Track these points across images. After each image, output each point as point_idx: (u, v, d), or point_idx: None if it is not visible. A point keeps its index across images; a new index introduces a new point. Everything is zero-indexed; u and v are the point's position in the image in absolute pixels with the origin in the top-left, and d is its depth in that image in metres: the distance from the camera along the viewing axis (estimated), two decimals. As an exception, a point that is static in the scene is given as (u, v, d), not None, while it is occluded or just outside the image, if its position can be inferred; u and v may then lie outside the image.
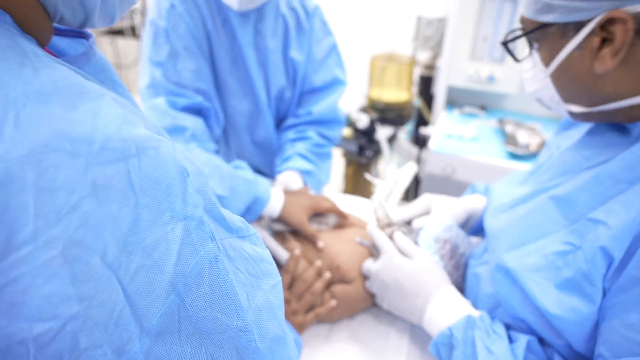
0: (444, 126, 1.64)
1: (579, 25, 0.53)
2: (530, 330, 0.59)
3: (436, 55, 1.93)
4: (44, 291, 0.25)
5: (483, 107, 1.80)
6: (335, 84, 1.09)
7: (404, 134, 2.02)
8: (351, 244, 0.82)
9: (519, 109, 1.82)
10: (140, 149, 0.29)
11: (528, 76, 0.64)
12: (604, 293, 0.49)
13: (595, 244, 0.50)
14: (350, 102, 2.04)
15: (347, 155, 1.88)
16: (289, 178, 1.01)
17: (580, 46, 0.54)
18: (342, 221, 0.92)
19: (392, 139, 1.80)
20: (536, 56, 0.60)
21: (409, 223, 0.86)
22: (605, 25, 0.50)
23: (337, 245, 0.82)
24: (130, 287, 0.27)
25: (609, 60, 0.51)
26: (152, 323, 0.28)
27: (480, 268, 0.74)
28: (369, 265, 0.75)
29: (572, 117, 0.63)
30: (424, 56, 2.00)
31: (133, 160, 0.28)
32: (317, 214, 0.92)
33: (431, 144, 1.51)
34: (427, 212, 0.86)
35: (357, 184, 1.93)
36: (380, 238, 0.76)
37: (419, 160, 1.77)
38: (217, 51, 0.95)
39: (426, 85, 1.97)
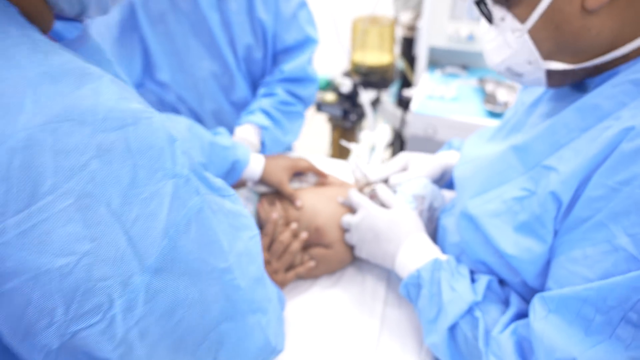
0: (425, 87, 1.66)
1: None
2: (490, 273, 0.64)
3: (417, 15, 1.93)
4: (64, 232, 0.31)
5: (465, 67, 1.81)
6: (306, 42, 1.11)
7: (389, 96, 2.04)
8: (331, 206, 0.86)
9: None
10: (135, 119, 0.34)
11: (492, 46, 0.61)
12: (555, 234, 0.54)
13: (546, 189, 0.54)
14: (333, 67, 2.04)
15: (332, 120, 1.90)
16: (246, 132, 1.03)
17: None
18: (322, 180, 0.96)
19: (376, 102, 1.82)
20: (508, 20, 0.57)
21: (385, 181, 0.90)
22: None
23: (318, 205, 0.85)
24: (131, 231, 0.33)
25: None
26: (150, 262, 0.34)
27: (447, 220, 0.78)
28: (349, 218, 0.80)
29: (547, 83, 0.60)
30: (405, 17, 2.00)
31: (130, 128, 0.34)
32: (298, 174, 0.95)
33: (413, 106, 1.53)
34: (404, 170, 0.90)
35: (344, 148, 1.96)
36: (357, 196, 0.80)
37: (403, 122, 1.79)
38: (171, 17, 0.98)
39: (409, 47, 1.97)
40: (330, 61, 2.04)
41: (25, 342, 0.31)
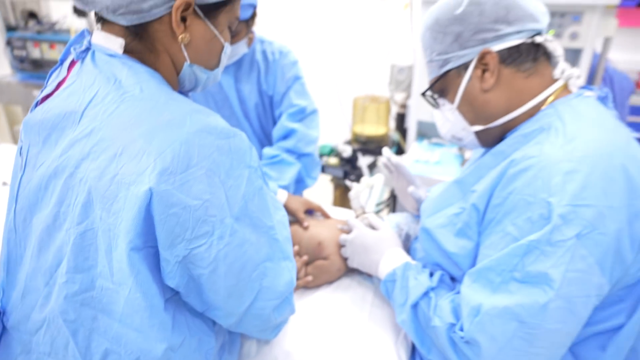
0: (414, 154, 1.98)
1: (466, 65, 0.84)
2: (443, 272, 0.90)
3: (408, 96, 2.31)
4: (197, 187, 0.59)
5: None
6: (297, 109, 1.49)
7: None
8: (329, 230, 1.14)
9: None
10: (234, 133, 0.64)
11: (441, 124, 0.94)
12: (479, 234, 0.81)
13: (470, 203, 0.82)
14: (337, 136, 2.40)
15: (334, 180, 2.22)
16: None
17: (470, 78, 0.84)
18: (326, 218, 1.24)
19: (372, 166, 2.14)
20: (445, 104, 0.89)
21: (376, 213, 1.19)
22: (481, 60, 0.82)
23: (320, 228, 1.13)
24: (228, 193, 0.61)
25: (490, 79, 0.82)
26: (234, 212, 0.62)
27: (417, 244, 1.05)
28: (345, 236, 1.07)
29: (480, 143, 0.91)
30: (399, 97, 2.38)
31: (231, 139, 0.63)
32: (310, 211, 1.24)
33: (402, 167, 1.85)
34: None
35: (343, 205, 2.25)
36: (354, 220, 1.09)
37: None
38: (200, 96, 1.41)
39: (401, 121, 2.33)
40: (333, 131, 2.40)
41: (169, 249, 0.59)
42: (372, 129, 2.28)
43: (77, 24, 2.48)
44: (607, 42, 1.79)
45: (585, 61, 1.75)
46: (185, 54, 0.70)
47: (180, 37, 0.68)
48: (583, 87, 0.86)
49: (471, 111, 0.87)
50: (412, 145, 2.12)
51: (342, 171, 2.10)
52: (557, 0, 1.68)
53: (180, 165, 0.58)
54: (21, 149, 0.71)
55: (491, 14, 0.80)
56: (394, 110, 2.42)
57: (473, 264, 0.82)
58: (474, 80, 0.84)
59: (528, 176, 0.72)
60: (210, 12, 0.70)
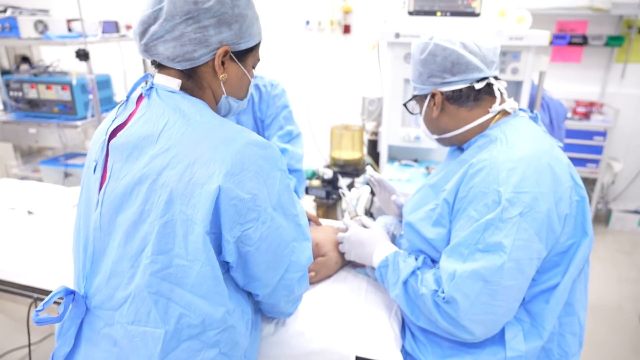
0: (388, 173, 2.24)
1: (425, 96, 1.13)
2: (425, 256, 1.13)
3: (379, 124, 2.59)
4: (249, 184, 0.79)
5: (416, 160, 2.42)
6: (285, 132, 1.73)
7: (361, 180, 2.62)
8: (324, 232, 1.35)
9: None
10: (269, 145, 0.84)
11: (420, 127, 1.23)
12: (450, 222, 1.05)
13: (441, 199, 1.06)
14: (317, 162, 2.63)
15: (317, 200, 2.44)
16: None
17: (427, 105, 1.13)
18: (318, 225, 1.46)
19: (350, 186, 2.38)
20: (418, 114, 1.20)
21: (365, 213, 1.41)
22: (432, 96, 1.10)
23: (315, 233, 1.35)
24: (268, 189, 0.82)
25: (435, 111, 1.11)
26: (272, 203, 0.83)
27: (401, 240, 1.28)
28: (342, 234, 1.28)
29: (439, 143, 1.20)
30: (370, 125, 2.66)
31: (268, 149, 0.83)
32: (309, 221, 1.45)
33: (378, 185, 2.10)
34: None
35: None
36: (349, 221, 1.30)
37: (372, 200, 2.35)
38: None
39: (374, 147, 2.60)
40: (314, 157, 2.64)
41: (230, 232, 0.78)
42: (348, 154, 2.53)
43: (78, 67, 2.65)
44: (542, 75, 2.13)
45: (526, 91, 2.08)
46: (223, 88, 0.92)
47: (220, 76, 0.89)
48: (519, 110, 1.14)
49: (430, 125, 1.18)
50: (385, 166, 2.37)
51: (324, 191, 2.33)
52: (502, 42, 2.01)
53: (237, 168, 0.78)
54: (96, 167, 0.90)
55: (440, 65, 1.07)
56: (366, 137, 2.69)
57: (447, 245, 1.05)
58: (429, 109, 1.14)
59: (483, 174, 0.97)
60: (241, 56, 0.92)
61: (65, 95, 2.72)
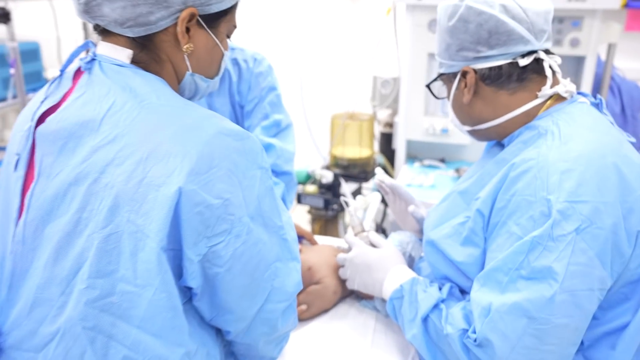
0: (405, 177, 2.26)
1: (454, 75, 1.15)
2: (452, 284, 1.14)
3: (394, 112, 2.61)
4: (218, 187, 0.80)
5: (443, 160, 2.45)
6: (272, 122, 1.73)
7: (370, 186, 2.64)
8: (318, 254, 1.37)
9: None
10: (247, 135, 0.86)
11: (449, 110, 1.25)
12: (485, 240, 1.06)
13: (474, 209, 1.07)
14: (314, 161, 2.65)
15: (313, 211, 2.45)
16: None
17: (457, 87, 1.15)
18: (313, 244, 1.48)
19: (356, 193, 2.40)
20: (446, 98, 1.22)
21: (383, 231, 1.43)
22: (464, 74, 1.12)
23: (310, 253, 1.37)
24: (244, 192, 0.83)
25: (467, 94, 1.13)
26: (250, 211, 0.84)
27: (422, 264, 1.30)
28: (344, 255, 1.29)
29: (472, 136, 1.23)
30: (383, 114, 2.68)
31: (245, 140, 0.85)
32: (300, 238, 1.47)
33: (393, 193, 2.11)
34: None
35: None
36: (353, 237, 1.32)
37: (384, 211, 2.36)
38: None
39: (387, 142, 2.62)
40: (309, 155, 2.65)
41: (193, 248, 0.80)
42: (354, 151, 2.55)
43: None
44: (611, 48, 2.15)
45: (589, 70, 2.11)
46: (188, 63, 0.94)
47: (184, 47, 0.91)
48: (578, 93, 1.15)
49: (460, 113, 1.21)
50: (402, 168, 2.39)
51: (322, 200, 2.34)
52: (559, 5, 2.04)
53: (204, 165, 0.79)
54: (18, 162, 0.91)
55: (474, 34, 1.09)
56: (378, 129, 2.71)
57: (481, 271, 1.07)
58: (459, 91, 1.17)
59: (528, 177, 0.99)
60: (211, 22, 0.94)
61: (-21, 70, 2.74)
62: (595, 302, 0.96)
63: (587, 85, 2.12)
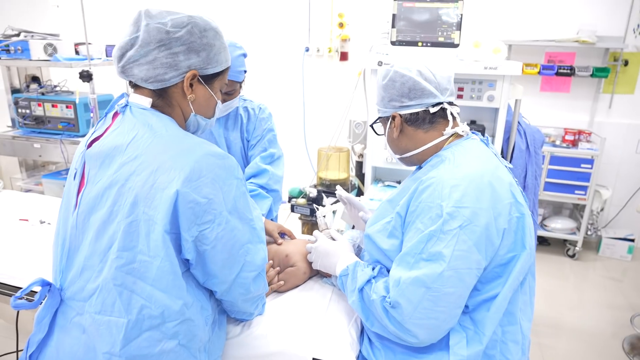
0: (371, 193, 2.32)
1: (387, 118, 1.21)
2: (381, 265, 1.21)
3: (365, 146, 2.69)
4: (208, 189, 0.89)
5: (399, 182, 2.51)
6: (268, 154, 1.82)
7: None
8: (294, 245, 1.44)
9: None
10: (227, 156, 0.94)
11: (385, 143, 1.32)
12: (402, 234, 1.13)
13: (395, 212, 1.14)
14: (304, 181, 2.73)
15: (302, 217, 2.52)
16: None
17: (389, 127, 1.21)
18: (292, 239, 1.55)
19: (335, 203, 2.46)
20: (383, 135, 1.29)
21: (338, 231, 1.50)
22: (393, 118, 1.19)
23: (287, 245, 1.43)
24: (224, 195, 0.91)
25: (395, 132, 1.19)
26: (228, 207, 0.92)
27: (364, 252, 1.36)
28: (310, 245, 1.36)
29: (401, 162, 1.29)
30: (358, 148, 2.76)
31: (226, 159, 0.93)
32: (282, 234, 1.54)
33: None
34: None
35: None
36: (319, 234, 1.39)
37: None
38: None
39: (360, 168, 2.70)
40: (301, 177, 2.74)
41: (187, 231, 0.87)
42: (334, 174, 2.63)
43: (83, 88, 2.80)
44: (517, 102, 2.22)
45: (502, 117, 2.18)
46: (192, 107, 1.03)
47: (189, 96, 1.00)
48: (472, 132, 1.23)
49: (392, 145, 1.26)
50: (370, 187, 2.46)
51: (309, 209, 2.42)
52: (477, 72, 2.13)
53: (195, 175, 0.88)
54: (75, 174, 1.00)
55: (399, 90, 1.16)
56: (353, 158, 2.79)
57: (399, 256, 1.14)
58: (390, 129, 1.23)
59: (430, 190, 1.06)
60: (208, 80, 1.03)
61: (69, 113, 2.87)
62: (474, 277, 1.02)
63: (500, 128, 2.19)
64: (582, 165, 3.47)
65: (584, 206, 3.59)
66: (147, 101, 0.98)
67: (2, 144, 3.04)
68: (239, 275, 0.99)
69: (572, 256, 3.67)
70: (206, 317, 0.98)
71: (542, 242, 3.90)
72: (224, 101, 1.65)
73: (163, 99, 1.00)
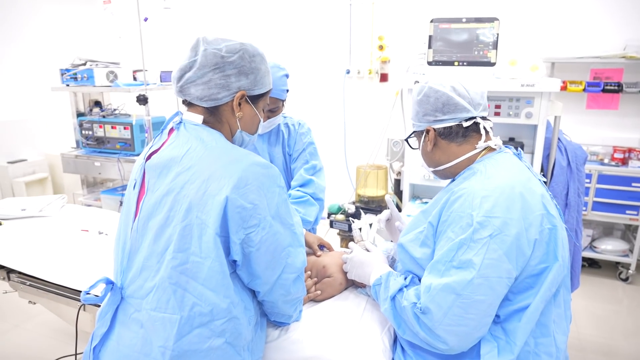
0: (409, 210, 2.34)
1: (421, 132, 1.26)
2: (413, 275, 1.23)
3: (403, 164, 2.72)
4: (251, 196, 0.97)
5: (437, 198, 2.51)
6: (310, 166, 1.89)
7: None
8: (331, 257, 1.48)
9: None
10: (270, 165, 1.02)
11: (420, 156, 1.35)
12: (434, 243, 1.16)
13: (428, 221, 1.17)
14: (343, 198, 2.78)
15: (341, 232, 2.57)
16: None
17: (423, 141, 1.25)
18: (330, 251, 1.60)
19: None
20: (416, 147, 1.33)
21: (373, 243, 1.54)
22: (427, 132, 1.23)
23: (324, 257, 1.49)
24: (268, 201, 0.99)
25: (429, 145, 1.23)
26: (272, 213, 0.99)
27: (398, 263, 1.39)
28: (346, 255, 1.40)
29: (435, 175, 1.32)
30: (396, 165, 2.79)
31: (270, 169, 1.02)
32: (322, 247, 1.60)
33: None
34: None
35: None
36: (354, 245, 1.43)
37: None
38: None
39: (398, 185, 2.72)
40: (340, 193, 2.79)
41: (235, 234, 0.95)
42: (372, 191, 2.67)
43: (140, 111, 3.03)
44: (556, 119, 2.20)
45: (540, 134, 2.16)
46: (238, 124, 1.12)
47: (237, 114, 1.10)
48: (506, 146, 1.25)
49: (426, 159, 1.30)
50: (407, 204, 2.48)
51: (347, 225, 2.46)
52: (513, 89, 2.13)
53: (242, 183, 0.96)
54: (135, 184, 1.11)
55: (433, 105, 1.20)
56: (392, 176, 2.81)
57: (433, 266, 1.16)
58: (424, 143, 1.26)
59: (461, 200, 1.09)
60: (254, 100, 1.13)
61: (126, 134, 3.10)
62: (505, 287, 1.03)
63: (539, 144, 2.16)
64: (633, 184, 3.32)
65: (637, 227, 3.41)
66: (199, 118, 1.08)
67: (67, 163, 3.31)
68: (280, 276, 1.05)
69: (625, 279, 3.48)
70: (249, 317, 1.05)
71: (592, 264, 3.72)
72: (268, 118, 1.77)
73: (214, 116, 1.09)
